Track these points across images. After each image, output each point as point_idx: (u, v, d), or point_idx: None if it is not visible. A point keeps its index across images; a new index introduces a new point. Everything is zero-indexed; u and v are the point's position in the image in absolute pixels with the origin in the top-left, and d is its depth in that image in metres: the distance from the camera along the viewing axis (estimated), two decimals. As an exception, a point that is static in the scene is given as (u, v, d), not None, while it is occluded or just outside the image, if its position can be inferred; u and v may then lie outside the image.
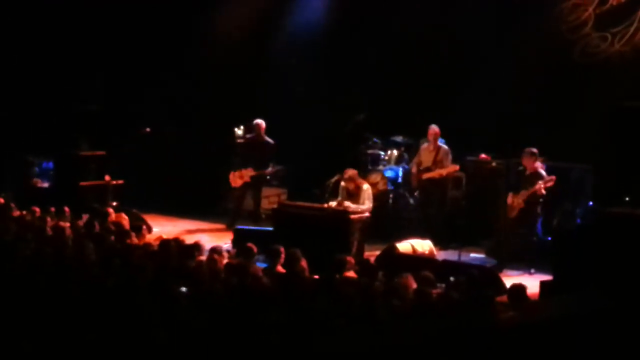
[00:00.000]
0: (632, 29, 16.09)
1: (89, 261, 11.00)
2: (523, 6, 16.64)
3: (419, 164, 16.14)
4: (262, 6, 19.32)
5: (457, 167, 15.97)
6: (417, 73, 17.75)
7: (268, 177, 18.29)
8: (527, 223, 14.50)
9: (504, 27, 16.71)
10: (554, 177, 14.39)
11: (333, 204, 14.57)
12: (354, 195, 14.64)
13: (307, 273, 10.94)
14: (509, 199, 14.58)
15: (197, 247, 11.80)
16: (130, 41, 19.77)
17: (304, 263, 11.24)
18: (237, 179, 17.10)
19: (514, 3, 16.74)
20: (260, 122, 17.20)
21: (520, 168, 14.88)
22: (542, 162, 14.99)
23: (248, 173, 16.99)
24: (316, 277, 10.89)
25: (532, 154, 14.59)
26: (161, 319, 8.66)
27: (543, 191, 14.29)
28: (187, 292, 9.64)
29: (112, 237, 12.62)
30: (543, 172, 14.54)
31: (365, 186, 14.80)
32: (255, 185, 17.17)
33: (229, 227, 16.77)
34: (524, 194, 14.40)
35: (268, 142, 17.10)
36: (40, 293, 9.56)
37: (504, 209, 14.87)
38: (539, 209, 14.58)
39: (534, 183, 14.35)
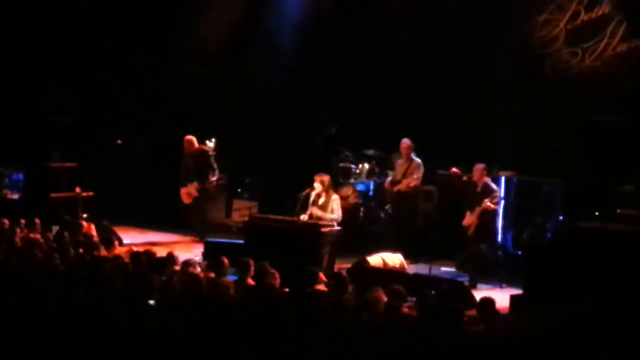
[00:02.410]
0: (602, 45, 16.18)
1: (58, 273, 10.92)
2: (494, 21, 16.70)
3: (393, 177, 16.18)
4: (236, 19, 19.32)
5: (417, 181, 15.94)
6: (390, 87, 17.79)
7: (241, 188, 18.33)
8: (485, 238, 14.52)
9: (476, 41, 16.78)
10: (497, 190, 14.43)
11: (304, 217, 14.56)
12: (324, 206, 14.64)
13: (277, 285, 10.89)
14: (466, 217, 14.59)
15: (170, 259, 11.74)
16: (102, 53, 19.72)
17: (275, 275, 11.21)
18: (186, 195, 17.15)
19: (486, 18, 16.79)
20: (187, 137, 17.22)
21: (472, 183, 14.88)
22: (512, 176, 15.04)
23: (194, 187, 17.05)
24: (286, 290, 10.86)
25: (481, 168, 14.64)
26: (130, 331, 8.63)
27: (492, 206, 14.32)
28: (155, 305, 9.60)
29: (81, 250, 12.55)
30: (492, 186, 14.60)
31: (334, 196, 14.82)
32: (203, 198, 17.20)
33: (200, 239, 16.85)
34: (477, 210, 14.42)
35: (202, 153, 17.14)
36: (8, 305, 9.51)
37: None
38: (495, 221, 14.60)
39: (484, 198, 14.39)
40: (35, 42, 19.38)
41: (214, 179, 17.11)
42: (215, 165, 17.21)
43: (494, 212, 14.48)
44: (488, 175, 14.92)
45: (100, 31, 19.57)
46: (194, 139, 17.24)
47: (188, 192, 17.16)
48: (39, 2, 19.42)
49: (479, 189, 14.62)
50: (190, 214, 17.48)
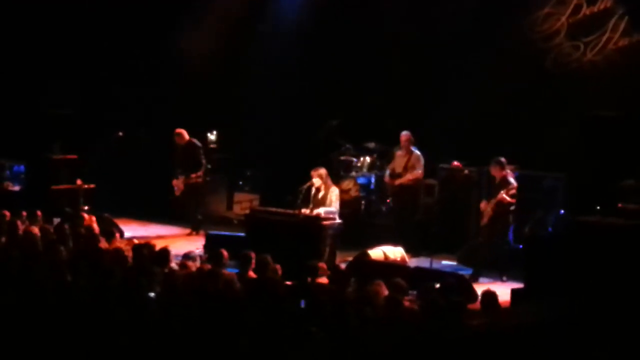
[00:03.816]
0: (604, 39, 16.17)
1: (60, 265, 10.93)
2: (496, 15, 16.68)
3: (392, 170, 16.17)
4: (237, 13, 19.30)
5: (419, 174, 15.95)
6: (391, 79, 17.78)
7: (243, 180, 18.27)
8: (497, 231, 14.53)
9: (477, 34, 16.76)
10: (515, 185, 14.45)
11: (306, 211, 14.56)
12: (323, 199, 14.66)
13: (279, 277, 10.89)
14: (482, 205, 14.62)
15: (166, 252, 11.73)
16: (105, 45, 19.71)
17: (277, 268, 11.21)
18: (175, 188, 17.20)
19: (487, 11, 16.78)
20: (178, 130, 17.24)
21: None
22: (513, 170, 15.05)
23: (182, 181, 17.08)
24: (288, 283, 10.87)
25: (499, 162, 14.63)
26: (129, 323, 8.65)
27: (508, 199, 14.32)
28: (155, 298, 9.62)
29: (82, 241, 12.56)
30: (511, 180, 14.58)
31: (333, 188, 14.84)
32: (191, 192, 17.18)
33: (196, 232, 17.04)
34: (492, 202, 14.45)
35: (191, 146, 17.14)
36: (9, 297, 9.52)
37: (477, 217, 14.93)
38: (509, 218, 14.60)
39: (501, 191, 14.40)
40: (37, 36, 19.37)
41: (194, 175, 17.10)
42: (203, 161, 17.22)
43: (509, 206, 14.43)
44: (489, 168, 14.94)
45: (102, 24, 19.55)
46: (184, 132, 17.26)
47: (177, 185, 17.20)
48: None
49: (497, 181, 14.61)
50: (179, 206, 17.51)
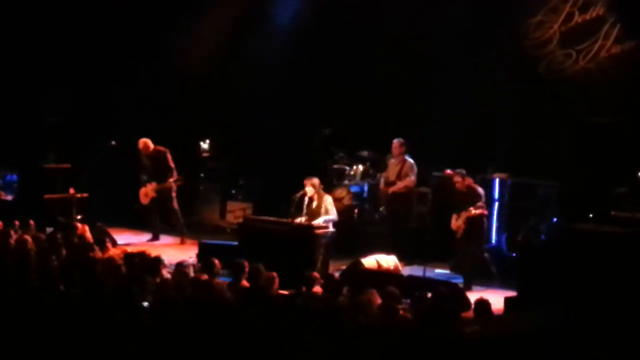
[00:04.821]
0: (596, 46, 16.21)
1: (52, 274, 10.91)
2: (489, 23, 16.71)
3: (387, 178, 16.16)
4: (231, 21, 19.29)
5: (412, 182, 15.93)
6: (385, 88, 17.79)
7: (236, 189, 18.22)
8: (474, 240, 14.52)
9: (471, 43, 16.79)
10: (482, 195, 14.46)
11: (303, 219, 14.54)
12: (317, 208, 14.65)
13: (276, 287, 10.87)
14: (452, 221, 14.58)
15: (158, 261, 11.71)
16: (98, 53, 19.70)
17: (274, 278, 11.18)
18: (143, 196, 17.11)
19: (481, 19, 16.80)
20: (142, 140, 17.17)
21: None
22: (505, 178, 15.07)
23: (152, 188, 17.04)
24: (282, 292, 10.87)
25: (461, 174, 14.63)
26: (122, 332, 8.64)
27: (476, 213, 14.31)
28: (148, 307, 9.60)
29: (75, 250, 12.54)
30: (478, 190, 14.58)
31: (326, 197, 14.83)
32: (164, 200, 17.17)
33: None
34: (463, 215, 14.43)
35: (158, 154, 17.11)
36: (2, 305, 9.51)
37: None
38: (484, 225, 14.61)
39: (470, 202, 14.37)
40: (32, 43, 19.36)
41: (172, 179, 17.04)
42: (172, 165, 17.13)
43: (481, 216, 14.46)
44: (483, 176, 14.94)
45: (96, 32, 19.54)
46: (148, 141, 17.14)
47: (145, 193, 17.13)
48: (37, 3, 19.39)
49: (463, 193, 14.60)
50: (148, 214, 17.43)
